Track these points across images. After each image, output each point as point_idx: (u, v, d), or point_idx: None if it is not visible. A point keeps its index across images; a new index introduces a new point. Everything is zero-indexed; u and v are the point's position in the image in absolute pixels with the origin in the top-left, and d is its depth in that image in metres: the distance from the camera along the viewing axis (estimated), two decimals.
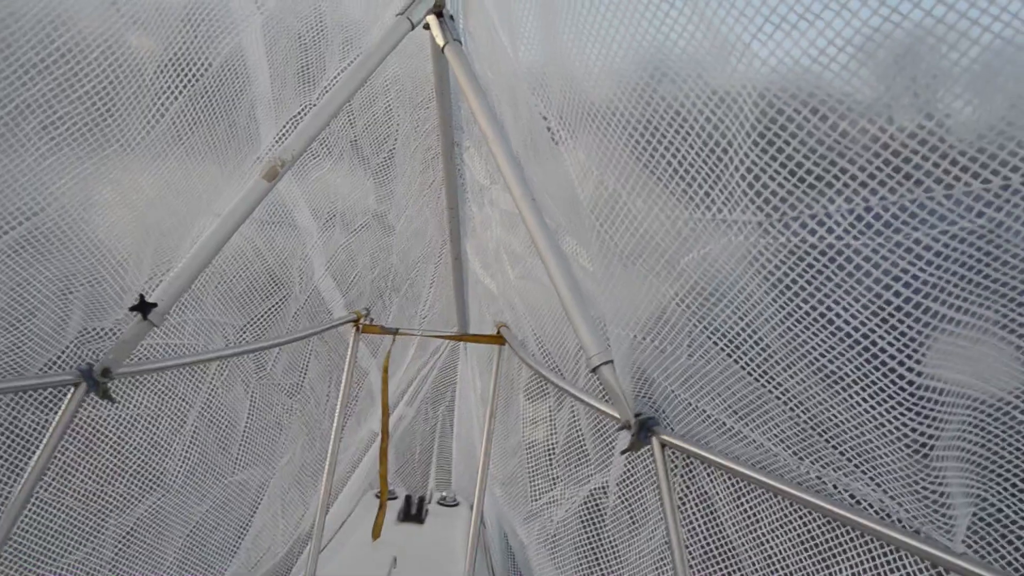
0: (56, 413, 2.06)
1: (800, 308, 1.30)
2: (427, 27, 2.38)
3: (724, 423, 1.72)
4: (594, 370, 2.01)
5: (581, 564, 2.61)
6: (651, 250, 1.55)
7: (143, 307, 2.04)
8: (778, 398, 1.52)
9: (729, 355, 1.55)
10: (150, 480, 2.57)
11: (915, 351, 1.22)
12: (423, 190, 3.29)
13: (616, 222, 1.61)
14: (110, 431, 2.42)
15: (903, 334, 1.20)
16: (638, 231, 1.54)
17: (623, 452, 2.06)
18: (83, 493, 2.37)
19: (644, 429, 1.93)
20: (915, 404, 1.28)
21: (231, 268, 2.66)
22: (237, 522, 3.03)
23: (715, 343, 1.56)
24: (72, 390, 2.05)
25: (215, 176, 2.19)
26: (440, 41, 2.35)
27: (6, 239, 1.72)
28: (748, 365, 1.52)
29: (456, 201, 3.25)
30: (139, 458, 2.52)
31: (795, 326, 1.34)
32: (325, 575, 2.83)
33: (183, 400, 2.66)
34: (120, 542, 2.51)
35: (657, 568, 2.23)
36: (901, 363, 1.24)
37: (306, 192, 2.82)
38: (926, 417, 1.29)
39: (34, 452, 2.04)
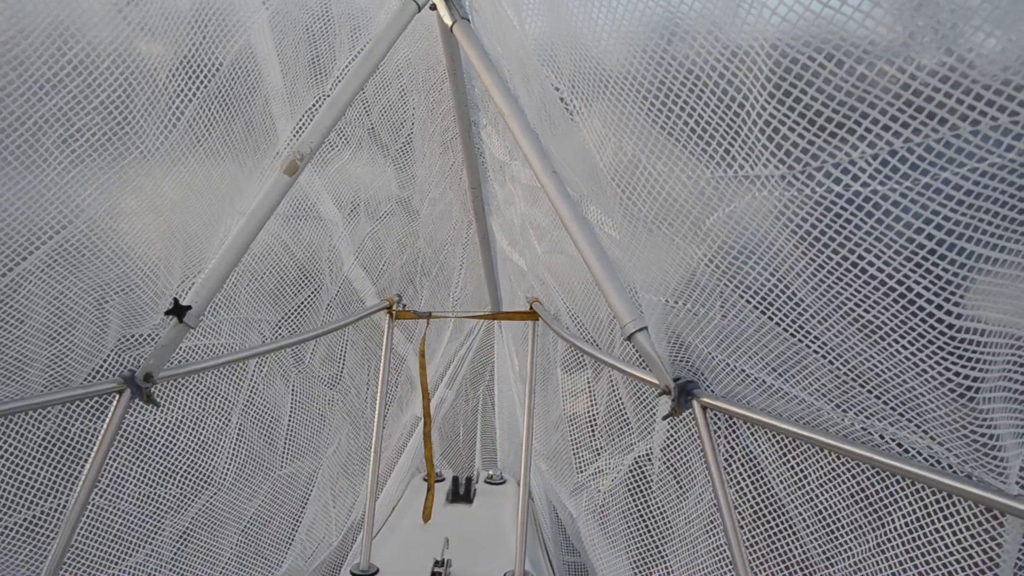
0: (104, 421, 2.09)
1: (831, 259, 1.28)
2: (433, 7, 2.36)
3: (764, 381, 1.70)
4: (629, 338, 2.00)
5: (631, 533, 2.62)
6: (675, 213, 1.53)
7: (178, 310, 2.07)
8: (816, 352, 1.50)
9: (763, 312, 1.53)
10: (201, 479, 2.61)
11: (952, 294, 1.19)
12: (444, 172, 3.29)
13: (638, 188, 1.59)
14: (158, 435, 2.46)
15: (939, 277, 1.18)
16: (661, 195, 1.53)
17: (664, 418, 2.05)
18: (138, 497, 2.43)
19: (684, 393, 1.92)
20: (956, 347, 1.25)
21: (261, 265, 2.68)
22: (290, 514, 3.08)
23: (748, 301, 1.54)
24: (117, 397, 2.09)
25: (236, 175, 2.20)
26: (448, 20, 2.34)
27: (38, 254, 1.75)
28: (783, 321, 1.51)
29: (478, 180, 3.24)
30: (188, 459, 2.56)
31: (827, 278, 1.31)
32: (380, 560, 2.86)
33: (226, 399, 2.70)
34: (177, 542, 2.56)
35: (707, 531, 2.23)
36: (939, 307, 1.21)
37: (328, 183, 2.82)
38: (969, 360, 1.26)
39: (86, 460, 2.08)
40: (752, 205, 1.35)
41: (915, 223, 1.14)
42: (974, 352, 1.25)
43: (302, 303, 2.89)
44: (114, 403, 2.08)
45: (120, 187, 1.84)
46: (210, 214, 2.16)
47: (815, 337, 1.47)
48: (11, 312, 1.79)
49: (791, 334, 1.51)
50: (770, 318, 1.52)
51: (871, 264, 1.23)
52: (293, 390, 3.02)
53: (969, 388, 1.29)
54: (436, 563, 2.66)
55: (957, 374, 1.27)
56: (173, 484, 2.52)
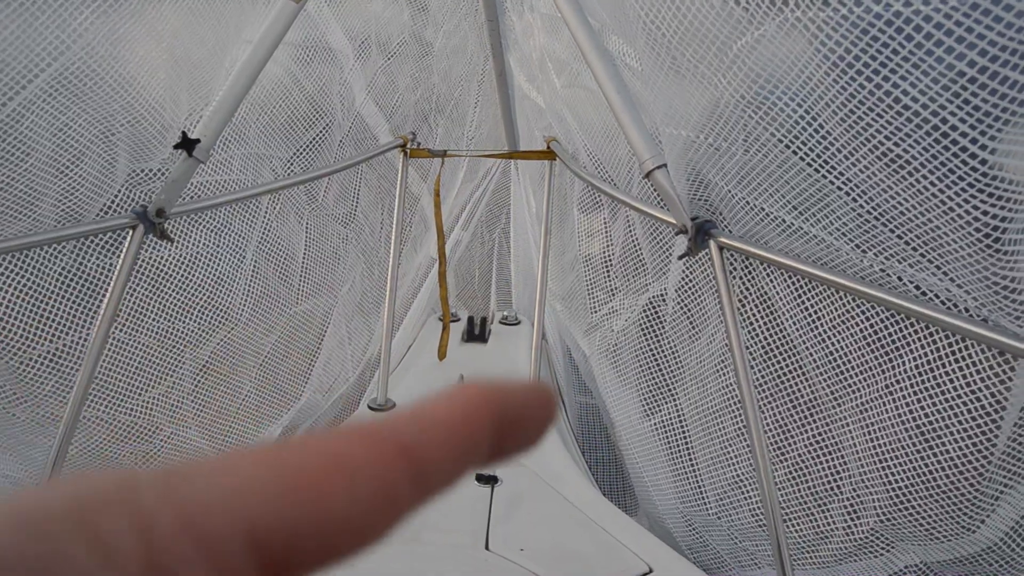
0: (119, 256, 2.10)
1: (864, 87, 1.21)
2: None
3: (783, 220, 1.67)
4: (647, 175, 1.95)
5: (643, 371, 2.66)
6: (701, 37, 1.44)
7: (186, 144, 2.02)
8: (840, 188, 1.45)
9: (787, 146, 1.47)
10: (218, 314, 2.66)
11: (990, 126, 1.13)
12: (459, 2, 3.13)
13: (662, 8, 1.49)
14: (174, 271, 2.48)
15: (977, 108, 1.11)
16: (687, 16, 1.43)
17: (680, 257, 2.03)
18: (157, 331, 2.48)
19: (701, 232, 1.88)
20: (988, 184, 1.20)
21: (270, 99, 2.61)
22: (306, 350, 3.15)
23: (772, 134, 1.48)
24: (131, 232, 2.08)
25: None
26: None
27: (38, 83, 1.69)
28: (808, 155, 1.45)
29: (495, 12, 3.09)
30: (205, 294, 2.59)
31: (858, 108, 1.25)
32: (397, 395, 2.94)
33: (240, 236, 2.70)
34: (197, 374, 2.64)
35: (718, 371, 2.26)
36: (973, 140, 1.15)
37: (337, 12, 2.70)
38: (999, 198, 1.21)
39: (104, 295, 2.10)
40: (784, 27, 1.26)
41: (957, 48, 1.06)
42: (1005, 190, 1.20)
43: (314, 139, 2.83)
44: (128, 238, 2.08)
45: (117, 10, 1.75)
46: (215, 41, 2.08)
47: (840, 173, 1.42)
48: (16, 144, 1.76)
49: (815, 169, 1.46)
50: (795, 152, 1.46)
51: (905, 93, 1.16)
52: (307, 227, 3.01)
53: (996, 228, 1.25)
54: None
55: (985, 212, 1.23)
56: (191, 319, 2.57)
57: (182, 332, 2.55)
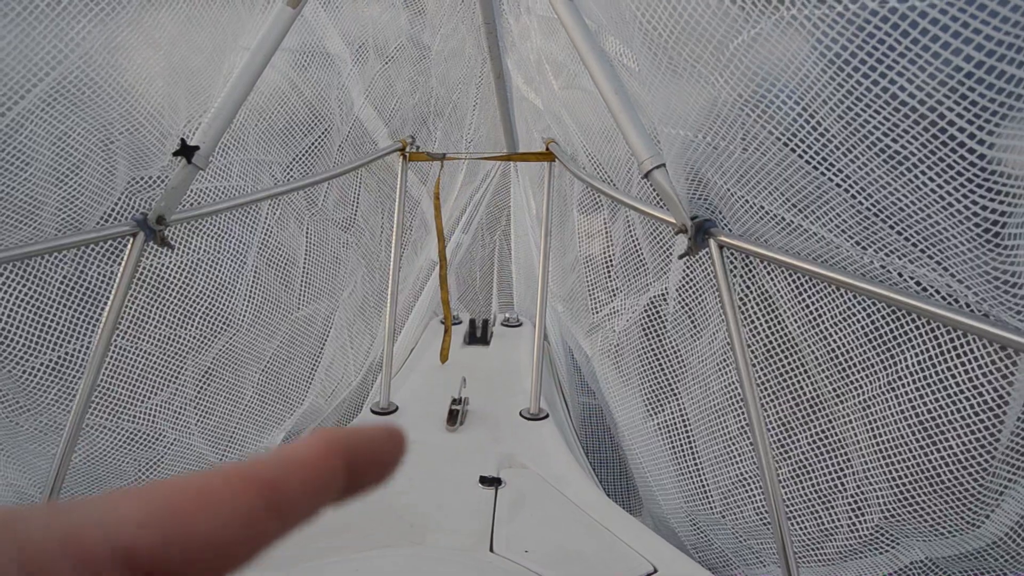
0: (120, 265, 2.10)
1: (861, 84, 1.21)
2: None
3: (783, 218, 1.67)
4: (646, 175, 1.95)
5: (645, 371, 2.66)
6: (698, 36, 1.44)
7: (186, 151, 2.03)
8: (839, 185, 1.45)
9: (786, 144, 1.47)
10: (220, 321, 2.66)
11: (987, 121, 1.13)
12: (456, 5, 3.13)
13: (658, 8, 1.49)
14: (175, 278, 2.48)
15: (974, 103, 1.11)
16: (683, 15, 1.43)
17: (680, 257, 2.03)
18: (159, 338, 2.48)
19: (701, 231, 1.88)
20: (986, 180, 1.20)
21: (268, 104, 2.61)
22: (308, 355, 3.15)
23: (771, 132, 1.48)
24: (131, 240, 2.09)
25: (237, 6, 2.10)
26: None
27: (37, 92, 1.70)
28: (806, 153, 1.45)
29: (492, 15, 3.09)
30: (206, 301, 2.60)
31: (855, 104, 1.25)
32: (399, 399, 2.94)
33: (240, 241, 2.70)
34: (200, 381, 2.64)
35: (720, 369, 2.26)
36: (971, 136, 1.15)
37: (334, 17, 2.71)
38: (998, 193, 1.22)
39: (106, 303, 2.11)
40: (780, 24, 1.26)
41: (954, 43, 1.06)
42: (1004, 185, 1.20)
43: (313, 144, 2.84)
44: (129, 246, 2.08)
45: (115, 19, 1.76)
46: (212, 48, 2.08)
47: (839, 170, 1.42)
48: (15, 154, 1.76)
49: (814, 167, 1.46)
50: (793, 150, 1.47)
51: (903, 89, 1.16)
52: (307, 233, 3.02)
53: (995, 223, 1.25)
54: (454, 401, 2.73)
55: (984, 207, 1.23)
56: (192, 325, 2.57)
57: (184, 339, 2.55)
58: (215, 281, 2.61)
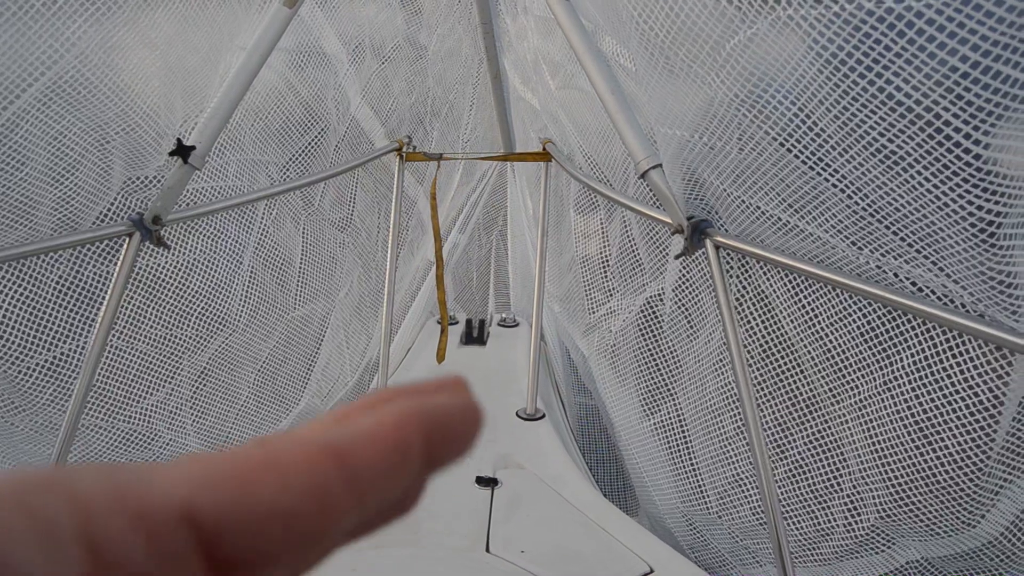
0: (116, 264, 2.10)
1: (857, 84, 1.21)
2: None
3: (779, 218, 1.67)
4: (643, 175, 1.95)
5: (641, 371, 2.66)
6: (694, 36, 1.44)
7: (182, 151, 2.02)
8: (835, 186, 1.45)
9: (782, 144, 1.47)
10: (216, 321, 2.66)
11: (983, 121, 1.13)
12: (453, 5, 3.13)
13: (655, 8, 1.50)
14: (171, 278, 2.48)
15: (970, 103, 1.11)
16: (680, 15, 1.43)
17: (677, 257, 2.03)
18: (154, 338, 2.47)
19: (697, 232, 1.89)
20: (982, 180, 1.20)
21: (265, 104, 2.61)
22: (304, 355, 3.15)
23: (767, 132, 1.48)
24: (127, 240, 2.08)
25: (233, 6, 2.10)
26: None
27: (32, 91, 1.70)
28: (802, 153, 1.45)
29: (489, 15, 3.09)
30: (202, 301, 2.59)
31: (851, 105, 1.25)
32: None
33: (236, 242, 2.70)
34: (196, 381, 2.63)
35: (716, 369, 2.26)
36: (967, 136, 1.15)
37: (331, 17, 2.70)
38: (993, 193, 1.22)
39: (101, 303, 2.10)
40: (776, 25, 1.26)
41: (949, 43, 1.06)
42: (1000, 185, 1.20)
43: (309, 143, 2.83)
44: (125, 246, 2.08)
45: (111, 19, 1.75)
46: (208, 48, 2.08)
47: (835, 170, 1.42)
48: (11, 153, 1.76)
49: (810, 167, 1.46)
50: (789, 150, 1.47)
51: (899, 89, 1.16)
52: (303, 233, 3.01)
53: (991, 223, 1.25)
54: None
55: (980, 207, 1.23)
56: (188, 325, 2.57)
57: (180, 339, 2.55)
58: (211, 281, 2.60)
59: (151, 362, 2.46)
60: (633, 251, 2.56)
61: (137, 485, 0.22)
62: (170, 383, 2.54)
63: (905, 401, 1.68)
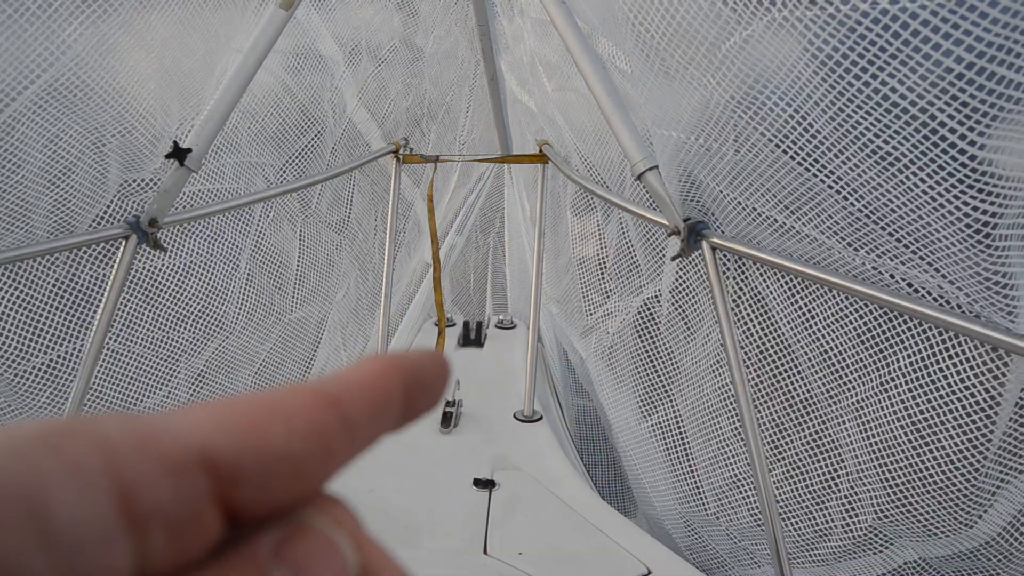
0: (112, 267, 2.10)
1: (852, 85, 1.21)
2: None
3: (775, 220, 1.67)
4: (639, 177, 1.95)
5: (639, 373, 2.66)
6: (690, 38, 1.44)
7: (178, 153, 2.02)
8: (831, 187, 1.45)
9: (777, 146, 1.47)
10: (213, 324, 2.65)
11: (978, 122, 1.13)
12: (449, 7, 3.13)
13: (651, 10, 1.50)
14: (167, 280, 2.47)
15: (965, 104, 1.12)
16: (675, 17, 1.43)
17: (673, 258, 2.03)
18: (151, 341, 2.47)
19: (693, 233, 1.89)
20: (977, 180, 1.21)
21: (261, 107, 2.60)
22: (302, 358, 3.14)
23: (763, 134, 1.48)
24: (124, 243, 2.08)
25: (229, 8, 2.10)
26: None
27: (28, 94, 1.69)
28: (798, 155, 1.45)
29: (485, 17, 3.10)
30: (199, 303, 2.59)
31: (847, 106, 1.25)
32: None
33: (233, 244, 2.70)
34: (193, 384, 2.63)
35: (713, 371, 2.26)
36: (962, 136, 1.15)
37: (327, 19, 2.70)
38: (988, 194, 1.22)
39: (98, 306, 2.10)
40: (771, 27, 1.26)
41: (944, 44, 1.07)
42: (995, 186, 1.20)
43: (306, 146, 2.83)
44: (121, 249, 2.08)
45: (107, 21, 1.75)
46: (204, 51, 2.08)
47: (831, 171, 1.42)
48: (7, 156, 1.76)
49: (806, 168, 1.46)
50: (785, 151, 1.47)
51: (894, 91, 1.17)
52: (300, 235, 3.01)
53: (986, 224, 1.25)
54: (447, 403, 2.71)
55: (975, 208, 1.23)
56: (185, 328, 2.56)
57: (177, 342, 2.54)
58: (208, 284, 2.60)
59: (148, 365, 2.46)
60: (630, 253, 2.57)
61: (158, 430, 0.23)
62: (167, 386, 2.54)
63: (902, 402, 1.68)
